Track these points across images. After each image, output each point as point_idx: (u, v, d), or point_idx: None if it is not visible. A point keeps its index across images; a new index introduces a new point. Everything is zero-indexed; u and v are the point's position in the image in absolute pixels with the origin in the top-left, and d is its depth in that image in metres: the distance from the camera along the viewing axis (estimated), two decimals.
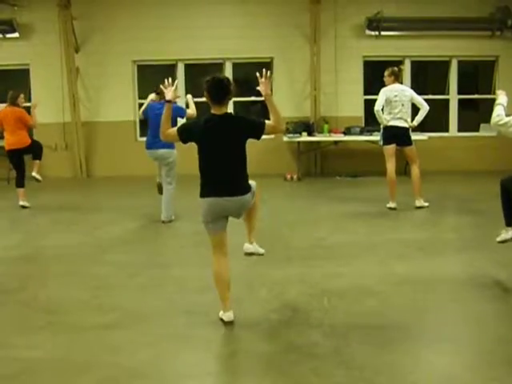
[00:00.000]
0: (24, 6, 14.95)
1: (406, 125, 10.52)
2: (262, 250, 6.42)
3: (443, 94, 15.99)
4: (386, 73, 10.64)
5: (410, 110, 10.66)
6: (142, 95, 15.85)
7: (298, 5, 15.08)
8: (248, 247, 6.37)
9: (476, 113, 16.68)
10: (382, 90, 10.55)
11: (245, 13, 15.25)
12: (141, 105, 15.93)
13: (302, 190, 13.43)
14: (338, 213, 10.29)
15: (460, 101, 16.00)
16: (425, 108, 10.73)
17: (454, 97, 15.94)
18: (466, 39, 15.29)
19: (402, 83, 10.86)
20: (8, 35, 15.28)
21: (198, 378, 4.58)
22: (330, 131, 15.01)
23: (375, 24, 15.10)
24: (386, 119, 10.45)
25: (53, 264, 7.75)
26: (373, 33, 15.29)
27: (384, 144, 10.75)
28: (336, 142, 15.03)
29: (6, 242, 8.87)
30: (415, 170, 10.64)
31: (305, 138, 14.73)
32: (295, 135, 14.66)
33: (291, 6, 15.14)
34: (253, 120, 5.64)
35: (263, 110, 16.31)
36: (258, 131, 5.51)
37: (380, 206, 10.72)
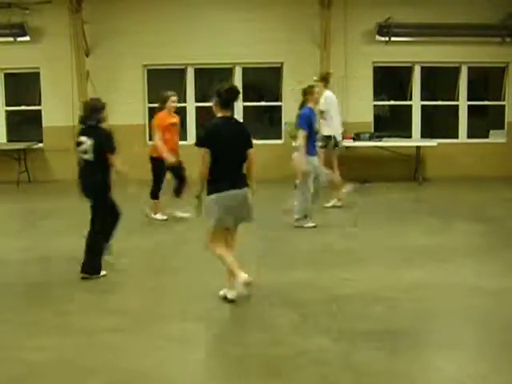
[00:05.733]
0: (35, 9, 15.02)
1: None
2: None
3: (453, 100, 15.94)
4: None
5: None
6: (152, 99, 15.93)
7: (308, 10, 15.07)
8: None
9: (486, 119, 16.64)
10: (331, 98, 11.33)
11: (255, 18, 15.26)
12: (151, 109, 16.09)
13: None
14: (346, 218, 10.27)
15: (470, 107, 15.95)
16: None
17: (463, 103, 15.90)
18: (476, 45, 15.24)
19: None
20: (19, 39, 15.33)
21: (205, 381, 4.59)
22: None
23: (385, 30, 15.10)
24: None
25: (63, 267, 7.75)
26: (383, 38, 15.28)
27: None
28: (345, 148, 14.98)
29: (18, 244, 8.90)
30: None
31: None
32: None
33: (301, 12, 15.14)
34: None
35: (271, 114, 16.30)
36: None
37: (389, 211, 10.71)
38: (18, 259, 8.08)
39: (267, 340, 5.26)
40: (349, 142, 14.83)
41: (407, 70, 15.94)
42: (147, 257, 8.11)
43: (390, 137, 14.98)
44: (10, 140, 16.02)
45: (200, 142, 6.17)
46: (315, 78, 11.54)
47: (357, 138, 14.85)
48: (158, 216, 10.41)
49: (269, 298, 6.37)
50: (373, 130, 15.34)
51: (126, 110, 15.48)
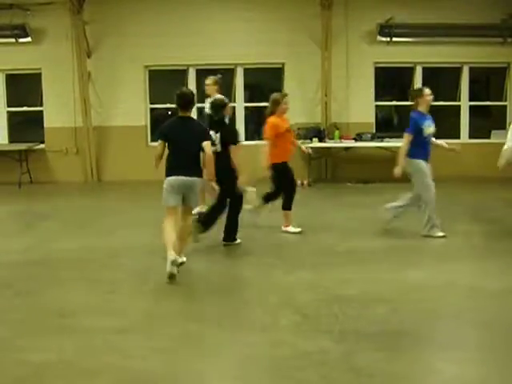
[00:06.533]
0: (36, 10, 15.04)
1: None
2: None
3: (454, 100, 15.93)
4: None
5: None
6: (154, 100, 15.95)
7: (310, 11, 15.07)
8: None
9: (487, 119, 16.61)
10: None
11: (256, 19, 15.26)
12: (152, 109, 16.14)
13: (313, 196, 13.40)
14: (348, 219, 10.27)
15: (471, 107, 15.94)
16: None
17: (465, 103, 15.88)
18: (477, 46, 15.23)
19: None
20: (20, 40, 15.34)
21: (207, 382, 4.58)
22: (340, 137, 14.98)
23: (387, 30, 15.09)
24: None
25: (65, 268, 7.77)
26: (384, 39, 15.28)
27: None
28: (347, 148, 15.01)
29: (19, 245, 8.89)
30: None
31: (316, 144, 14.71)
32: (306, 141, 14.65)
33: (303, 12, 15.14)
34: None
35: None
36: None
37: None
38: (19, 260, 8.07)
39: (268, 341, 5.25)
40: (350, 143, 14.85)
41: (409, 71, 15.93)
42: (149, 257, 8.10)
43: (391, 137, 14.99)
44: (11, 141, 16.04)
45: (156, 136, 7.66)
46: (208, 81, 10.85)
47: (358, 138, 14.87)
48: (290, 229, 9.46)
49: (270, 298, 6.37)
50: (374, 131, 15.34)
51: (128, 111, 15.51)
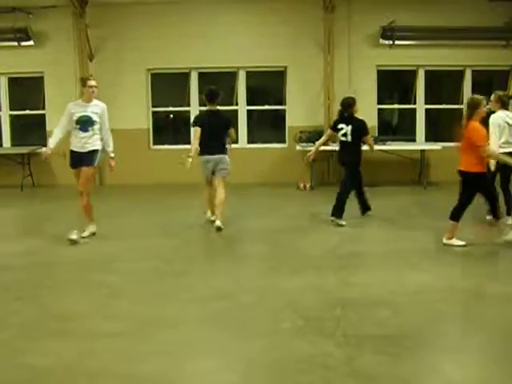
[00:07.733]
0: (39, 14, 15.06)
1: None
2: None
3: (457, 103, 15.89)
4: None
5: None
6: (156, 103, 15.95)
7: (312, 14, 15.07)
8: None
9: None
10: None
11: (259, 22, 15.27)
12: (154, 113, 16.12)
13: (315, 199, 13.37)
14: (350, 222, 10.23)
15: None
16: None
17: None
18: (480, 49, 15.22)
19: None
20: (23, 43, 15.37)
21: None
22: None
23: (389, 33, 15.08)
24: None
25: (65, 271, 7.75)
26: (387, 42, 15.26)
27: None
28: None
29: (20, 248, 8.88)
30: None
31: None
32: (309, 144, 14.62)
33: (305, 16, 15.15)
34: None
35: (276, 118, 16.28)
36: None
37: (393, 215, 10.66)
38: (21, 263, 8.06)
39: (270, 344, 5.23)
40: None
41: (411, 74, 15.92)
42: (149, 260, 8.08)
43: (394, 140, 14.97)
44: (14, 144, 16.06)
45: (192, 124, 9.98)
46: (94, 82, 9.80)
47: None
48: (454, 241, 8.62)
49: (272, 301, 6.35)
50: (377, 134, 15.31)
51: (130, 114, 15.50)
